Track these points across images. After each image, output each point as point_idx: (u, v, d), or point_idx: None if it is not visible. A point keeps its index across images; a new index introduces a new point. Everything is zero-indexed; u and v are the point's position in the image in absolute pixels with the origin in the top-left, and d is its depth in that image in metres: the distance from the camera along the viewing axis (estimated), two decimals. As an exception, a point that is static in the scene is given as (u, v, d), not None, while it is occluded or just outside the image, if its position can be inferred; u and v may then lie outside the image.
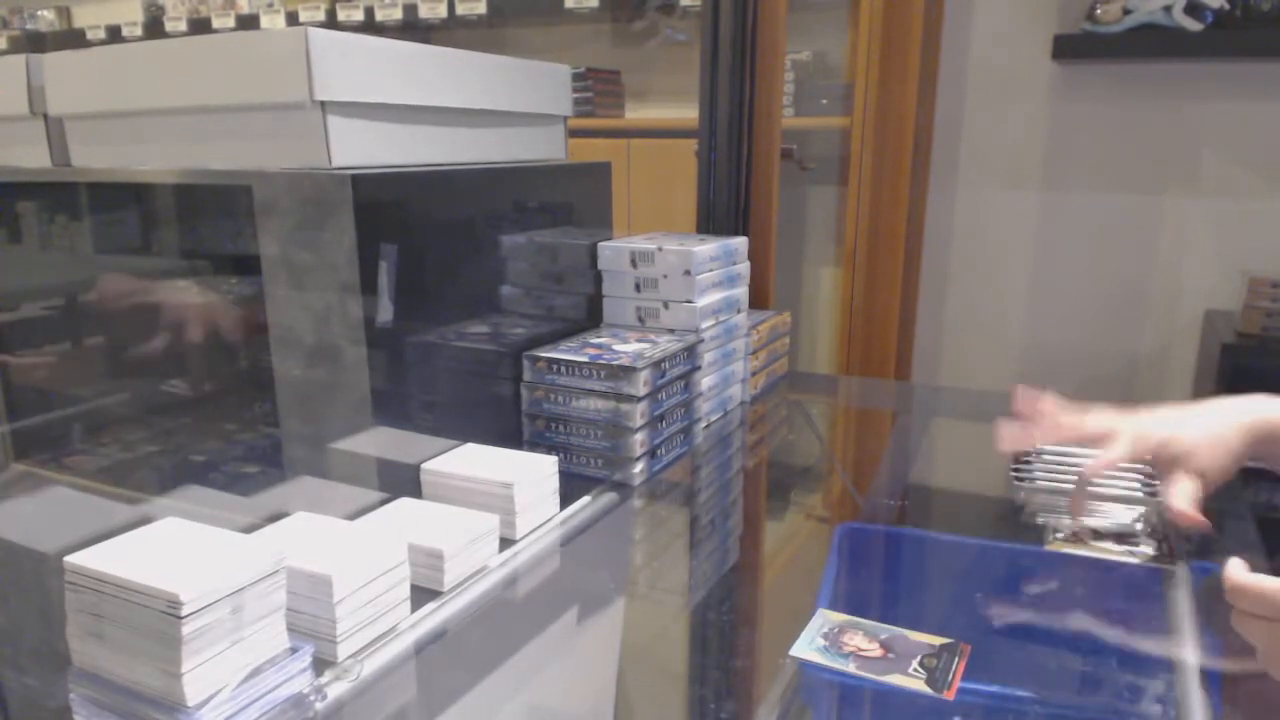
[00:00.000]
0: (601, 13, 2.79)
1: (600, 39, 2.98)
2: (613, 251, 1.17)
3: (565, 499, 0.94)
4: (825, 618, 0.74)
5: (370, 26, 3.06)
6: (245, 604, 0.59)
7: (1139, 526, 0.90)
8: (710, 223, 1.52)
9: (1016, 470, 1.03)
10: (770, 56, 1.47)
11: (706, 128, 1.48)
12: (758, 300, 1.42)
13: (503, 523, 0.84)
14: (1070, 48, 2.02)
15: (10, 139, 1.04)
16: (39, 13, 3.93)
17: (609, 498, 0.98)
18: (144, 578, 0.57)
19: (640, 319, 1.17)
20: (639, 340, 1.08)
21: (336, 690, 0.64)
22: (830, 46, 2.55)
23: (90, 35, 3.78)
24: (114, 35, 3.70)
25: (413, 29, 3.07)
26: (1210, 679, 0.67)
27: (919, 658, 0.68)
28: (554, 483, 0.91)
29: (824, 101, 2.45)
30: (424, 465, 0.89)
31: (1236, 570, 0.66)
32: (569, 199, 1.18)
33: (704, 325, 1.15)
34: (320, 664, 0.65)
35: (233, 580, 0.58)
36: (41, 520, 0.96)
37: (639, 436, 1.00)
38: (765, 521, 1.05)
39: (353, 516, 0.81)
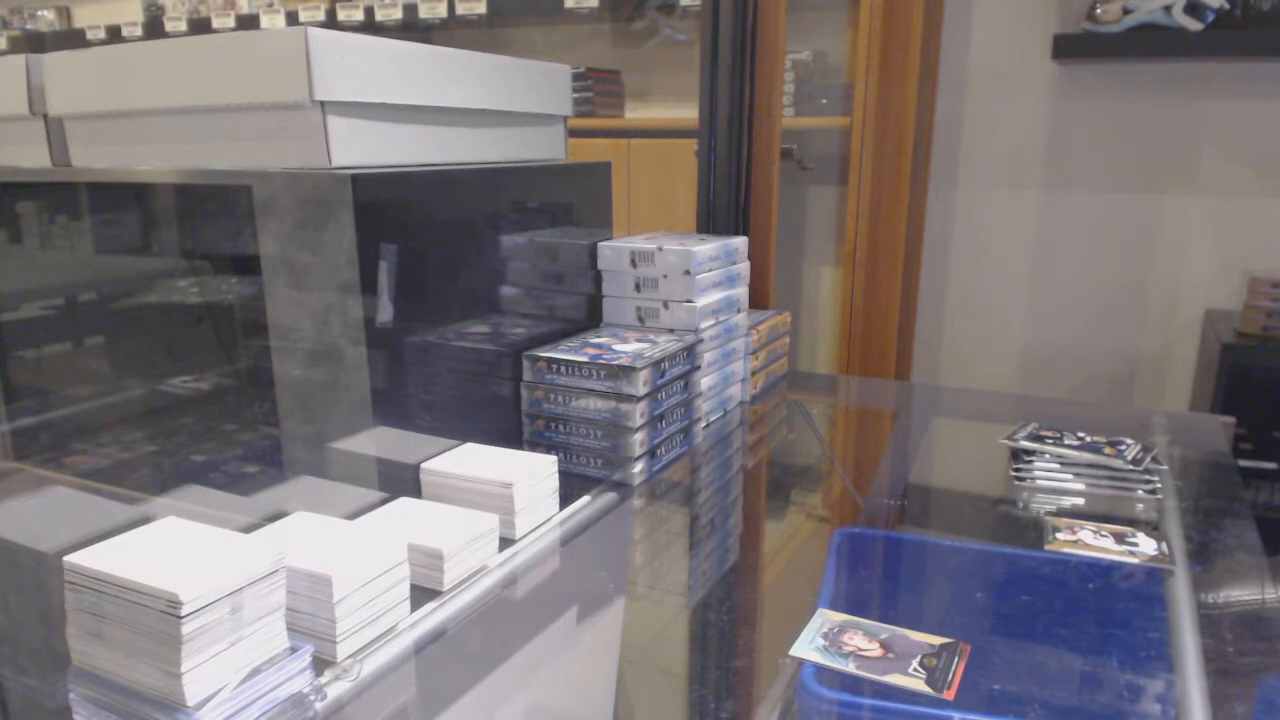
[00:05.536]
0: (601, 13, 2.79)
1: (600, 39, 2.98)
2: (613, 251, 1.17)
3: (565, 499, 0.93)
4: (825, 618, 0.74)
5: (370, 26, 3.06)
6: (245, 604, 0.59)
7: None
8: (710, 223, 1.52)
9: (1017, 470, 1.03)
10: (770, 56, 1.47)
11: (706, 128, 1.48)
12: (758, 300, 1.42)
13: (502, 523, 0.84)
14: (1070, 48, 2.02)
15: (10, 139, 1.04)
16: (39, 13, 3.93)
17: (609, 498, 0.98)
18: (144, 577, 0.57)
19: (640, 319, 1.17)
20: (639, 340, 1.08)
21: (336, 690, 0.64)
22: (830, 46, 2.55)
23: (90, 35, 3.78)
24: (114, 35, 3.70)
25: (413, 29, 3.07)
26: (1211, 679, 0.67)
27: (919, 657, 0.68)
28: (554, 482, 0.91)
29: (824, 101, 2.45)
30: (424, 465, 0.89)
31: None
32: (569, 199, 1.18)
33: (704, 325, 1.14)
34: (320, 664, 0.65)
35: (232, 580, 0.58)
36: (41, 520, 0.96)
37: (639, 436, 1.00)
38: (765, 521, 1.05)
39: (352, 516, 0.81)
